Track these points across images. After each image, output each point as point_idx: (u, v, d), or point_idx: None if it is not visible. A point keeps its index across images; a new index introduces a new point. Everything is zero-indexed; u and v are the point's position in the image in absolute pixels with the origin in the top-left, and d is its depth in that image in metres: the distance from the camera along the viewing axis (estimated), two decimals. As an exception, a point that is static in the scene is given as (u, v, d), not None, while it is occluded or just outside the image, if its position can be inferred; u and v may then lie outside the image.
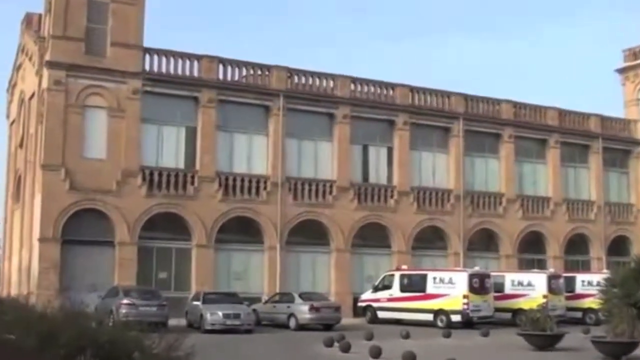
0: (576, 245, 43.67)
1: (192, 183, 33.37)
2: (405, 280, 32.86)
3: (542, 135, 43.03)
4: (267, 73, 35.96)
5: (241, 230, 34.73)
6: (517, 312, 30.30)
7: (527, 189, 42.53)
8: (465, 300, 30.24)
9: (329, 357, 20.23)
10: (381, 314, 32.74)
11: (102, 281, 29.97)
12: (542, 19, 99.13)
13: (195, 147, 33.87)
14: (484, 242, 40.71)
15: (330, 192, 36.36)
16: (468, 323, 30.16)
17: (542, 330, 22.04)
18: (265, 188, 34.82)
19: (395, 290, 32.73)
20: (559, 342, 22.15)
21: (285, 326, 28.92)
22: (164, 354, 10.18)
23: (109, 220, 31.57)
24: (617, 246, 44.67)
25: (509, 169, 41.53)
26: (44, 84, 31.83)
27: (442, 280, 31.40)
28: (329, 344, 21.51)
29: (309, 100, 36.38)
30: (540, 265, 40.48)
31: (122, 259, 31.41)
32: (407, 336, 24.36)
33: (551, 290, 32.45)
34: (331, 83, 37.35)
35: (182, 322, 27.50)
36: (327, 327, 28.32)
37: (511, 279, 33.60)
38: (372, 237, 37.64)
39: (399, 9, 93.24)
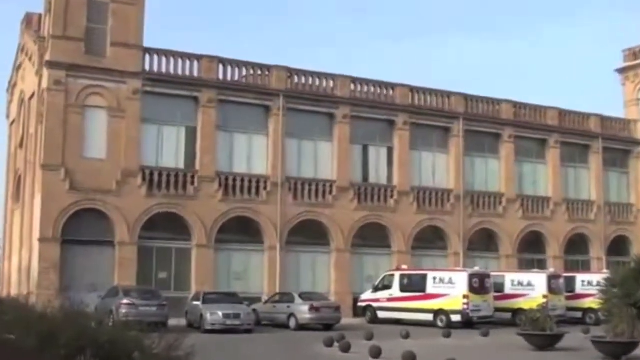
0: (576, 245, 43.66)
1: (192, 183, 33.36)
2: (405, 280, 32.85)
3: (542, 135, 43.03)
4: (267, 73, 35.95)
5: (241, 230, 34.73)
6: (517, 312, 30.33)
7: (527, 189, 42.52)
8: (465, 300, 30.22)
9: (329, 357, 20.21)
10: (381, 314, 32.73)
11: (102, 281, 29.97)
12: (542, 19, 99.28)
13: (195, 147, 33.86)
14: (484, 242, 40.70)
15: (330, 192, 36.36)
16: (468, 323, 30.15)
17: (542, 330, 22.03)
18: (265, 188, 34.82)
19: (395, 290, 32.71)
20: (559, 342, 22.14)
21: (285, 326, 28.91)
22: (164, 354, 10.17)
23: (109, 220, 31.57)
24: (617, 246, 44.66)
25: (509, 169, 41.53)
26: (44, 84, 31.83)
27: (442, 280, 31.38)
28: (329, 344, 21.50)
29: (309, 100, 36.37)
30: (540, 265, 40.50)
31: (122, 259, 31.40)
32: (407, 336, 24.36)
33: (551, 290, 32.44)
34: (331, 83, 37.35)
35: (182, 322, 27.48)
36: (327, 327, 28.31)
37: (511, 279, 33.58)
38: (372, 237, 37.62)
39: (399, 9, 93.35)
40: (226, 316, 26.82)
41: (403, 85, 38.93)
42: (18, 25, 39.12)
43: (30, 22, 36.76)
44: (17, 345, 10.92)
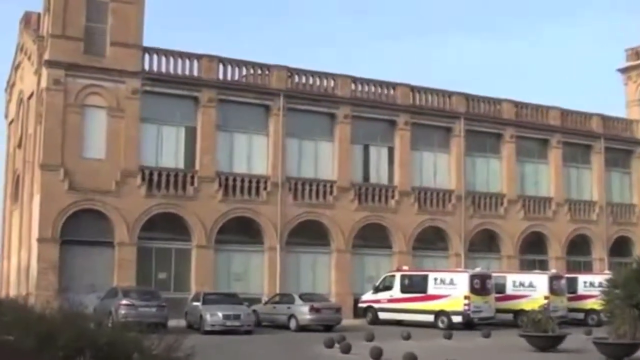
0: (578, 246, 43.55)
1: (192, 183, 33.26)
2: (406, 281, 32.75)
3: (544, 135, 42.92)
4: (267, 73, 35.85)
5: (241, 231, 34.62)
6: (518, 313, 30.20)
7: (529, 189, 42.41)
8: (467, 301, 30.13)
9: (330, 358, 20.16)
10: (382, 315, 32.64)
11: (101, 282, 29.80)
12: (543, 19, 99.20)
13: (195, 147, 33.76)
14: (485, 242, 40.60)
15: (331, 193, 36.25)
16: (469, 324, 30.05)
17: (543, 331, 21.95)
18: (265, 188, 34.71)
19: (396, 291, 32.61)
20: (561, 343, 22.05)
21: (285, 327, 28.82)
22: (163, 355, 10.14)
23: (108, 220, 31.45)
24: (619, 247, 44.53)
25: (510, 169, 41.42)
26: (43, 84, 31.72)
27: (443, 281, 31.29)
28: (330, 345, 21.43)
29: (309, 100, 36.27)
30: (542, 266, 40.41)
31: (121, 259, 31.29)
32: (408, 337, 24.30)
33: (553, 291, 32.36)
34: (332, 83, 37.24)
35: (182, 323, 27.45)
36: (328, 328, 28.22)
37: (513, 280, 33.49)
38: (373, 237, 37.51)
39: (399, 9, 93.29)
40: (226, 317, 26.72)
41: (404, 85, 38.81)
42: (17, 24, 39.04)
43: (29, 21, 36.65)
44: (15, 346, 10.89)
